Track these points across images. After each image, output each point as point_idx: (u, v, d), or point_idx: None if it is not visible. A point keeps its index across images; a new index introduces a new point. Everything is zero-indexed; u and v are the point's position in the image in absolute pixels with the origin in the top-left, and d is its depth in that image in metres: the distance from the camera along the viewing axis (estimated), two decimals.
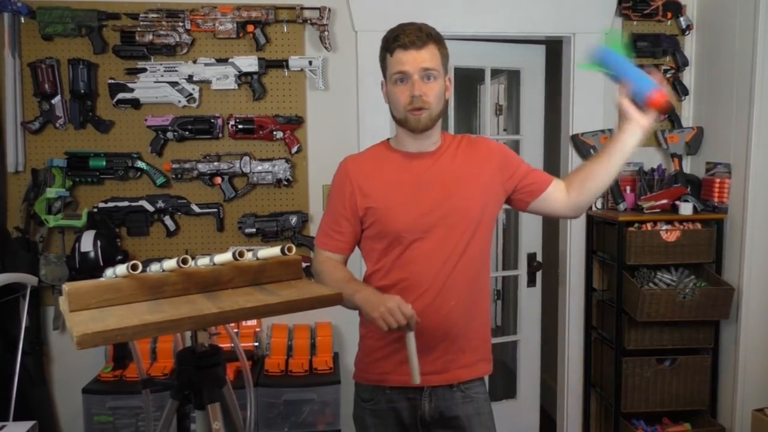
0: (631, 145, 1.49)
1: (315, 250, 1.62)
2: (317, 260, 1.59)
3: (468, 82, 3.50)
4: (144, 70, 2.50)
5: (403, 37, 1.45)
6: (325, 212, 1.62)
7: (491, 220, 1.58)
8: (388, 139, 1.63)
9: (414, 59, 1.44)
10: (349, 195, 1.54)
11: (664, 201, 2.65)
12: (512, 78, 3.20)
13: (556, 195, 1.58)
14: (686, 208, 2.59)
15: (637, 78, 1.44)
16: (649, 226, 2.57)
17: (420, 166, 1.53)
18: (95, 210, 2.52)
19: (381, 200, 1.52)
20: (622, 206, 2.71)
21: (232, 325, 1.81)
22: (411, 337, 1.36)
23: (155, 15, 2.48)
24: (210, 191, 2.59)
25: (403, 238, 1.50)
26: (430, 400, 1.53)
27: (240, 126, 2.55)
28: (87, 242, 2.36)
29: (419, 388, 1.51)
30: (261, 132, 2.57)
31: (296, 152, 2.61)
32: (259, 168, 2.57)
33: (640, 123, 1.46)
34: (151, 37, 2.48)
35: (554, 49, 2.93)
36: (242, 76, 2.55)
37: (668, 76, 2.76)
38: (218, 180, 2.56)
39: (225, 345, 1.37)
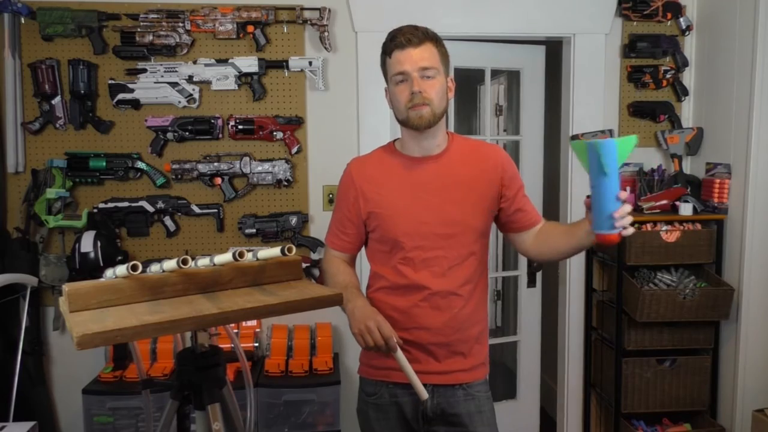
0: (584, 245, 1.46)
1: (324, 246, 1.69)
2: (325, 258, 1.66)
3: (468, 82, 3.50)
4: (144, 70, 2.50)
5: (399, 37, 1.45)
6: (333, 212, 1.65)
7: (489, 229, 1.59)
8: (395, 140, 1.62)
9: (412, 58, 1.44)
10: (353, 199, 1.57)
11: (664, 201, 2.65)
12: (512, 78, 3.20)
13: (527, 237, 1.60)
14: (686, 209, 2.59)
15: (602, 202, 1.26)
16: (649, 226, 2.57)
17: (423, 172, 1.53)
18: (95, 210, 2.52)
19: (383, 206, 1.53)
20: None
21: (232, 325, 1.81)
22: (399, 357, 1.38)
23: (155, 15, 2.48)
24: (210, 192, 2.59)
25: (404, 243, 1.51)
26: (432, 397, 1.54)
27: (240, 126, 2.55)
28: (87, 243, 2.37)
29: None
30: (261, 132, 2.57)
31: (296, 153, 2.61)
32: (259, 168, 2.57)
33: (589, 238, 1.40)
34: (151, 37, 2.48)
35: (554, 50, 2.93)
36: (242, 77, 2.55)
37: (668, 76, 2.76)
38: (218, 180, 2.56)
39: (225, 345, 1.37)
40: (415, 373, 1.39)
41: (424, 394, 1.40)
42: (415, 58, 1.44)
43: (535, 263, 2.97)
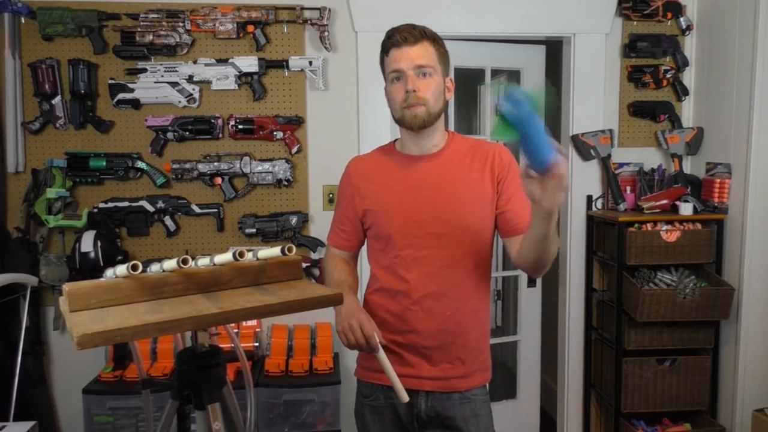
0: (539, 229, 1.26)
1: (327, 244, 1.72)
2: (326, 255, 1.70)
3: (468, 82, 3.50)
4: (144, 70, 2.50)
5: (396, 35, 1.45)
6: (335, 210, 1.67)
7: (491, 229, 1.52)
8: (395, 141, 1.62)
9: (407, 56, 1.44)
10: (350, 196, 1.58)
11: (665, 201, 2.65)
12: (512, 78, 3.20)
13: (514, 243, 1.48)
14: (686, 209, 2.59)
15: (536, 150, 1.08)
16: (649, 226, 2.57)
17: (419, 169, 1.52)
18: (95, 210, 2.52)
19: (377, 203, 1.53)
20: (622, 206, 2.71)
21: (232, 325, 1.81)
22: (380, 357, 1.39)
23: (155, 15, 2.48)
24: (210, 191, 2.59)
25: (395, 241, 1.50)
26: (427, 400, 1.53)
27: (240, 126, 2.55)
28: (87, 242, 2.37)
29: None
30: (261, 132, 2.57)
31: (296, 152, 2.61)
32: (259, 168, 2.57)
33: (541, 205, 1.16)
34: (151, 37, 2.48)
35: (554, 50, 2.93)
36: (242, 77, 2.55)
37: (668, 76, 2.76)
38: (218, 180, 2.56)
39: (225, 345, 1.36)
40: (396, 375, 1.38)
41: (405, 397, 1.38)
42: (411, 56, 1.44)
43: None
